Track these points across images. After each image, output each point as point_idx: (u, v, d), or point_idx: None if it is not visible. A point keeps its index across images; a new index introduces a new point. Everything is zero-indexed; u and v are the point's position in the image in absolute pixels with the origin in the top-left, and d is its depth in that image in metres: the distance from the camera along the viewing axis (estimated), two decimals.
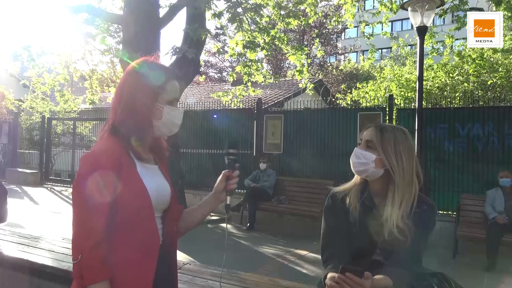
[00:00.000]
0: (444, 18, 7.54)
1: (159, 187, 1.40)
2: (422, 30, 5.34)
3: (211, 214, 7.48)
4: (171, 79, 1.42)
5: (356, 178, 1.70)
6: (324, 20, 21.64)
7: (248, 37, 8.03)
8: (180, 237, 1.57)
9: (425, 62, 8.07)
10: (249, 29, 8.10)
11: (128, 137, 1.34)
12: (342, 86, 17.20)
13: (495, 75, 9.91)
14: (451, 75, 10.44)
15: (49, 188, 11.19)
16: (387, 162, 1.57)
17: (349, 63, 25.96)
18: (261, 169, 7.34)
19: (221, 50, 10.32)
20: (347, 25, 9.07)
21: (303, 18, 9.09)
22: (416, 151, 5.86)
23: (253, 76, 8.70)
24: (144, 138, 1.38)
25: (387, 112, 7.10)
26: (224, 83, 20.76)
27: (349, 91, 14.38)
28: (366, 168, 1.60)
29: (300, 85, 11.19)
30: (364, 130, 1.68)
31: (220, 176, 1.48)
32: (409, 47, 19.67)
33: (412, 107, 7.23)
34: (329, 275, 1.45)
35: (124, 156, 1.33)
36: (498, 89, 9.86)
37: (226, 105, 9.61)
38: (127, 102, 1.36)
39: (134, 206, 1.31)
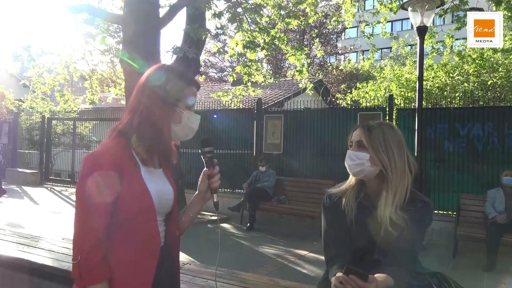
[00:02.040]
0: (444, 18, 7.54)
1: (162, 191, 1.40)
2: (422, 30, 5.34)
3: (211, 214, 7.49)
4: (189, 85, 1.42)
5: (351, 179, 1.70)
6: (324, 20, 21.64)
7: (248, 37, 8.03)
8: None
9: (425, 62, 8.07)
10: (249, 29, 8.10)
11: (139, 143, 1.34)
12: (342, 86, 17.19)
13: (495, 75, 9.90)
14: (451, 75, 10.43)
15: (49, 188, 11.19)
16: (378, 161, 1.58)
17: (349, 63, 25.95)
18: (261, 171, 7.33)
19: (221, 50, 10.33)
20: (346, 25, 9.08)
21: (303, 18, 9.08)
22: (416, 151, 5.79)
23: (253, 76, 8.70)
24: (158, 144, 1.37)
25: (387, 112, 7.10)
26: (224, 83, 20.76)
27: (349, 91, 14.37)
28: (363, 168, 1.60)
29: (300, 85, 11.19)
30: (352, 132, 1.68)
31: (201, 176, 1.49)
32: (409, 47, 19.67)
33: (412, 107, 7.22)
34: (338, 274, 1.45)
35: (128, 158, 1.33)
36: (498, 89, 9.85)
37: (226, 105, 9.60)
38: (145, 109, 1.35)
39: (136, 207, 1.32)
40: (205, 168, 1.48)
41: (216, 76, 29.02)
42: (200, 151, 1.47)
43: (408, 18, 5.85)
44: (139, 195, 1.32)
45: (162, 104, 1.36)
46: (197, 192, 1.52)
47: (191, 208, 1.55)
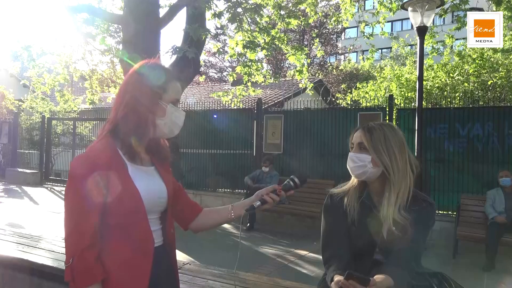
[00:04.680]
0: (444, 18, 7.53)
1: (152, 188, 1.38)
2: (422, 30, 5.34)
3: None
4: (172, 80, 1.42)
5: (354, 180, 1.70)
6: (324, 20, 21.64)
7: (248, 37, 8.02)
8: (195, 234, 1.62)
9: (425, 62, 8.06)
10: (249, 29, 8.09)
11: (124, 137, 1.34)
12: (342, 86, 17.19)
13: (495, 75, 9.90)
14: (451, 75, 10.42)
15: (49, 188, 11.19)
16: (380, 162, 1.58)
17: (349, 63, 25.95)
18: (264, 171, 7.30)
19: (221, 50, 10.33)
20: (343, 25, 9.07)
21: (303, 18, 9.08)
22: (416, 151, 5.79)
23: (253, 76, 8.69)
24: (143, 138, 1.37)
25: (387, 112, 7.10)
26: (224, 83, 20.76)
27: (349, 91, 14.37)
28: (365, 170, 1.60)
29: (300, 85, 11.19)
30: (353, 134, 1.68)
31: (270, 186, 1.52)
32: (409, 47, 19.68)
33: (412, 107, 7.22)
34: (336, 278, 1.45)
35: (115, 157, 1.32)
36: (498, 89, 9.85)
37: (226, 105, 9.60)
38: (129, 102, 1.36)
39: (125, 207, 1.30)
40: (278, 185, 1.52)
41: (216, 76, 29.02)
42: (297, 180, 1.52)
43: (408, 18, 5.85)
44: (127, 194, 1.30)
45: (147, 94, 1.36)
46: (254, 194, 1.53)
47: (236, 208, 1.54)
